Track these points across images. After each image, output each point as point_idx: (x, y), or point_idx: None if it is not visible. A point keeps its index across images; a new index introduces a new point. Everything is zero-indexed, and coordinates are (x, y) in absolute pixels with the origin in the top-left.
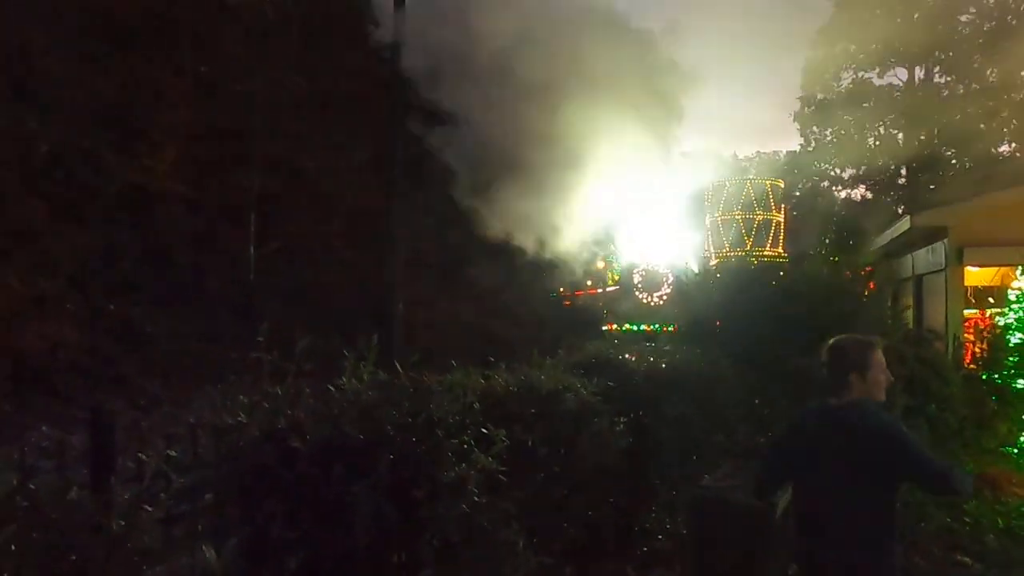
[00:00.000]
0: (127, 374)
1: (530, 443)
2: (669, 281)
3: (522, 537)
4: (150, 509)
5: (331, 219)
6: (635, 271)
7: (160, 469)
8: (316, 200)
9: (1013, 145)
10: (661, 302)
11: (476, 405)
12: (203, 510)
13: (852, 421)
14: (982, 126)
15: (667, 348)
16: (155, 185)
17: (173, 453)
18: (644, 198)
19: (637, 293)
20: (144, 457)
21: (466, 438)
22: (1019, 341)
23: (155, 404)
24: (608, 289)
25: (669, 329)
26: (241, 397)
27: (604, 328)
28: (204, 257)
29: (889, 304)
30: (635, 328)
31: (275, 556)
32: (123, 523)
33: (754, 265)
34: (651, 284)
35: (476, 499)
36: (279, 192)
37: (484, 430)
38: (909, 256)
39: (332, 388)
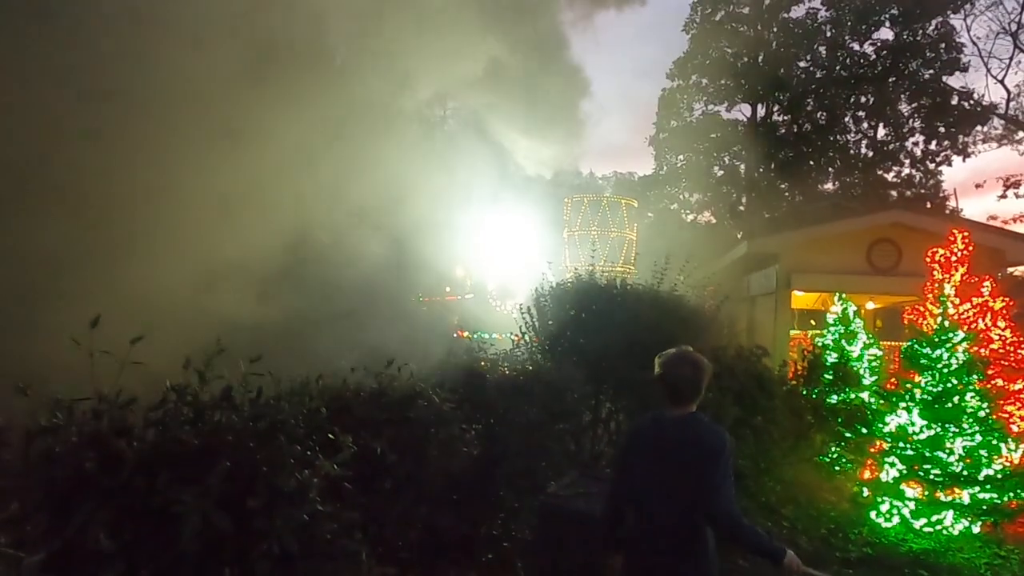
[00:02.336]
0: None
1: (379, 450)
2: (526, 289)
3: (365, 547)
4: None
5: None
6: (489, 279)
7: None
8: None
9: (836, 184)
10: (514, 311)
11: (323, 410)
12: (7, 520)
13: (689, 430)
14: (811, 162)
15: (520, 356)
16: None
17: None
18: (501, 209)
19: (491, 301)
20: None
21: (311, 444)
22: (835, 360)
23: None
24: (466, 296)
25: (523, 338)
26: (58, 397)
27: (455, 335)
28: None
29: (725, 322)
30: (487, 336)
31: (90, 570)
32: None
33: (606, 281)
34: (505, 292)
35: (319, 507)
36: None
37: (331, 436)
38: (746, 279)
39: (170, 387)
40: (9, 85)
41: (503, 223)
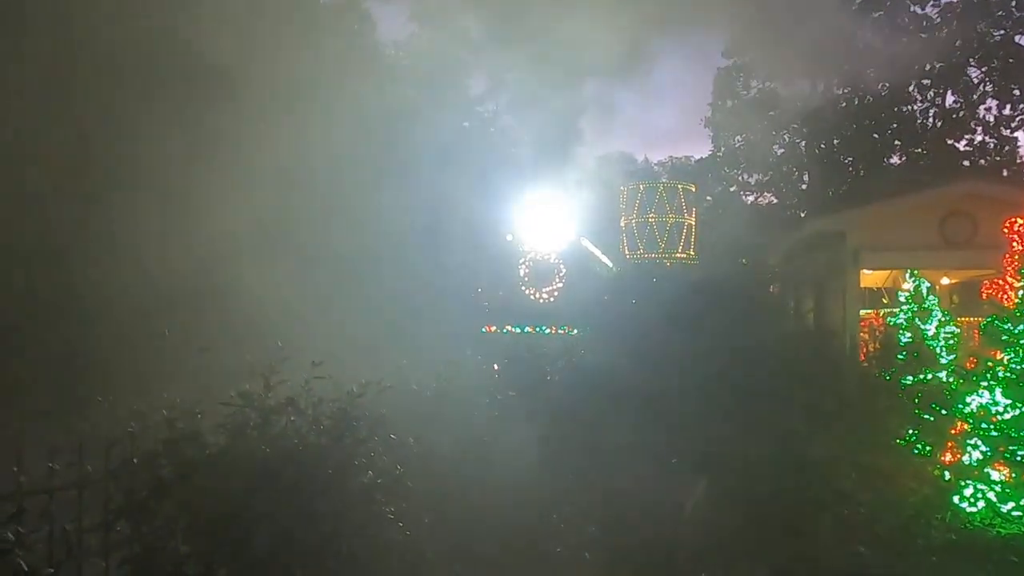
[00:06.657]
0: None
1: (443, 446)
2: (561, 274)
3: (431, 545)
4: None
5: None
6: (521, 262)
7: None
8: None
9: (903, 156)
10: (551, 299)
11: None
12: (89, 527)
13: None
14: (875, 136)
15: (581, 351)
16: None
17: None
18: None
19: (522, 288)
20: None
21: (373, 444)
22: (908, 340)
23: (44, 415)
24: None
25: (562, 332)
26: (134, 407)
27: (483, 330)
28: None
29: (792, 304)
30: (518, 331)
31: (170, 571)
32: None
33: (665, 268)
34: (540, 277)
35: (384, 509)
36: None
37: (392, 436)
38: (812, 258)
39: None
40: None
41: (547, 210)
